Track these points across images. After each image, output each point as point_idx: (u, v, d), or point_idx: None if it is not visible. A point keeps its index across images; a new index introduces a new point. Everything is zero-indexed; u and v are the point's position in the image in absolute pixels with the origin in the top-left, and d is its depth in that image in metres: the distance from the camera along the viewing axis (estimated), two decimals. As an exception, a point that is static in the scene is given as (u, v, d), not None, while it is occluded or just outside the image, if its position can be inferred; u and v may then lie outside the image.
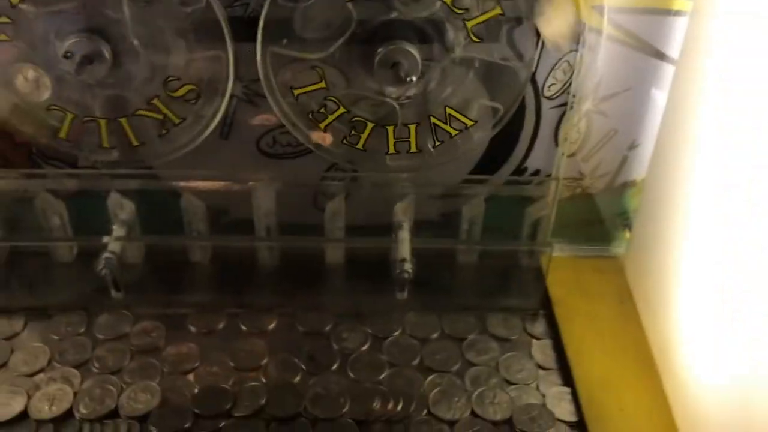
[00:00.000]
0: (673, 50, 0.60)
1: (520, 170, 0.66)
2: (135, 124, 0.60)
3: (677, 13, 0.58)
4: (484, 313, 0.65)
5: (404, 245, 0.63)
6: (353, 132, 0.61)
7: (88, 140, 0.61)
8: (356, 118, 0.60)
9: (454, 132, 0.61)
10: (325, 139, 0.62)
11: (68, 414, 0.56)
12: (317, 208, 0.68)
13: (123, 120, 0.60)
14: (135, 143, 0.61)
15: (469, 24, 0.56)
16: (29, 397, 0.57)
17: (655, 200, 0.64)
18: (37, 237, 0.66)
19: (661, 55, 0.60)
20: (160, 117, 0.60)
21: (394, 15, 0.56)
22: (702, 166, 0.56)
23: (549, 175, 0.65)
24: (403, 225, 0.65)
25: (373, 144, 0.62)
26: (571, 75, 0.60)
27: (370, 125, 0.60)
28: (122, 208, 0.64)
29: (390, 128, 0.61)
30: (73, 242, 0.66)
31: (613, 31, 0.59)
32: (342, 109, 0.60)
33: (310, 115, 0.60)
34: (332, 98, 0.59)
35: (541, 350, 0.62)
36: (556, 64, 0.60)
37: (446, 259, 0.69)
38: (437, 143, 0.62)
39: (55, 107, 0.59)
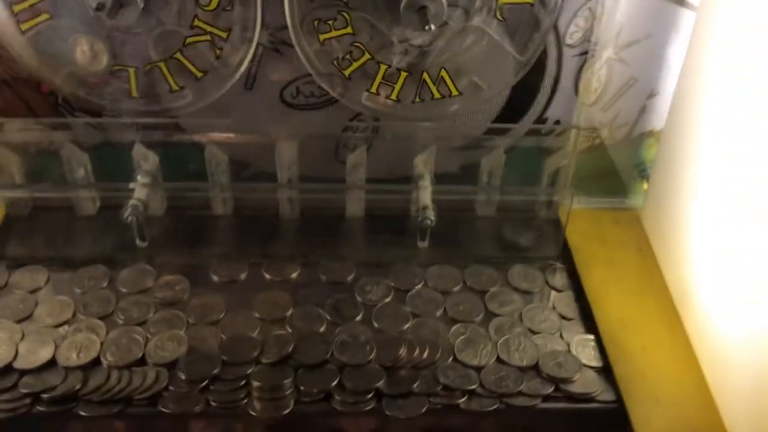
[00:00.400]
0: (693, -3, 0.61)
1: (540, 121, 0.67)
2: (191, 57, 0.61)
3: (698, -40, 0.59)
4: (505, 265, 0.66)
5: (425, 193, 0.64)
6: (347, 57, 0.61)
7: (155, 90, 0.62)
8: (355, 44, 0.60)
9: (437, 95, 0.62)
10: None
11: (96, 362, 0.56)
12: (339, 160, 0.68)
13: (178, 55, 0.60)
14: (198, 75, 0.61)
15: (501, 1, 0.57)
16: (56, 347, 0.57)
17: (673, 150, 0.65)
18: (62, 187, 0.66)
19: (681, 1, 0.61)
20: (208, 38, 0.60)
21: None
22: (720, 116, 0.57)
23: (569, 125, 0.66)
24: (424, 176, 0.66)
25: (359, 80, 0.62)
26: (593, 22, 0.61)
27: (366, 56, 0.60)
28: (146, 159, 0.65)
29: (383, 68, 0.61)
30: (100, 191, 0.67)
31: (635, -24, 0.59)
32: (367, 56, 0.60)
33: (334, 62, 0.61)
34: (358, 44, 0.60)
35: (563, 301, 0.63)
36: (577, 11, 0.60)
37: (466, 212, 0.70)
38: (417, 100, 0.63)
39: (118, 66, 0.60)
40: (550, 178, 0.67)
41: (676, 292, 0.62)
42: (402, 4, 0.56)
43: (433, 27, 0.57)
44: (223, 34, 0.60)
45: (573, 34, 0.62)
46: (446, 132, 0.66)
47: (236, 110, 0.65)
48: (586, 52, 0.62)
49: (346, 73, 0.61)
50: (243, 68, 0.61)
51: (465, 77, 0.62)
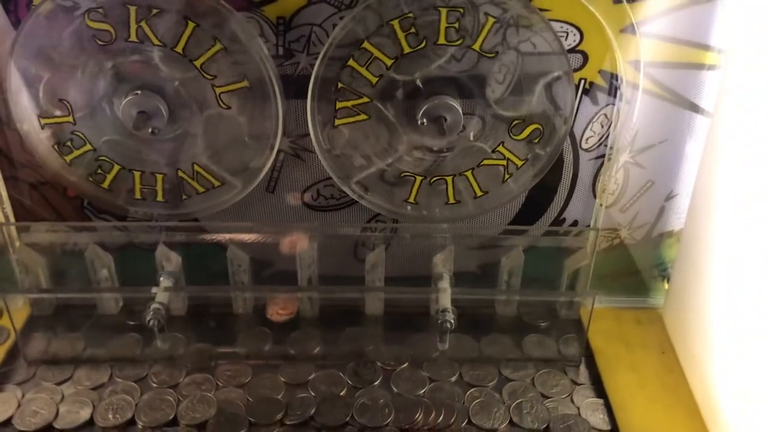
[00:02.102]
0: (708, 103, 0.61)
1: (558, 222, 0.67)
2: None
3: (710, 67, 0.60)
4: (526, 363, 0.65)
5: (445, 295, 0.64)
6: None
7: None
8: (405, 174, 0.62)
9: (479, 193, 0.63)
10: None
11: (131, 422, 0.59)
12: (358, 259, 0.69)
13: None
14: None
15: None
16: (94, 407, 0.60)
17: (693, 251, 0.65)
18: (86, 290, 0.68)
19: (695, 108, 0.61)
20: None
21: (436, 71, 0.58)
22: (739, 217, 0.57)
23: (587, 226, 0.66)
24: (443, 276, 0.66)
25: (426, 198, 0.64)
26: (609, 127, 0.62)
27: (419, 179, 0.62)
28: (169, 260, 0.66)
29: (419, 179, 0.62)
30: (122, 294, 0.68)
31: (649, 84, 0.60)
32: (383, 164, 0.62)
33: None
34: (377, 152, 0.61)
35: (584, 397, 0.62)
36: (593, 117, 0.61)
37: (486, 311, 0.69)
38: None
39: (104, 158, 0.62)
40: (570, 278, 0.67)
41: (700, 397, 0.61)
42: (419, 114, 0.58)
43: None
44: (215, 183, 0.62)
45: (589, 139, 0.62)
46: (464, 231, 0.66)
47: (258, 211, 0.66)
48: (602, 156, 0.63)
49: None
50: (263, 173, 0.62)
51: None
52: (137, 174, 0.62)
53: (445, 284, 0.65)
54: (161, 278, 0.65)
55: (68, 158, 0.61)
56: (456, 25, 0.56)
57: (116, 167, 0.62)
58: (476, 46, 0.57)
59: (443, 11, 0.56)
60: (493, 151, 0.61)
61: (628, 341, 0.67)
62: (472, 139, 0.61)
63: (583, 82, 0.60)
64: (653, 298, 0.72)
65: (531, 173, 0.62)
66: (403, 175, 0.62)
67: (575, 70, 0.59)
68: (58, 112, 0.59)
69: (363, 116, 0.60)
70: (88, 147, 0.61)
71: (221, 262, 0.67)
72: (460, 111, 0.58)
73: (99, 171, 0.62)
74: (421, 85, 0.58)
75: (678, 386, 0.63)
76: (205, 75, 0.58)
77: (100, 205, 0.65)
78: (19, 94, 0.59)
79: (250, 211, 0.66)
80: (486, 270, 0.69)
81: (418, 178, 0.62)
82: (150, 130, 0.58)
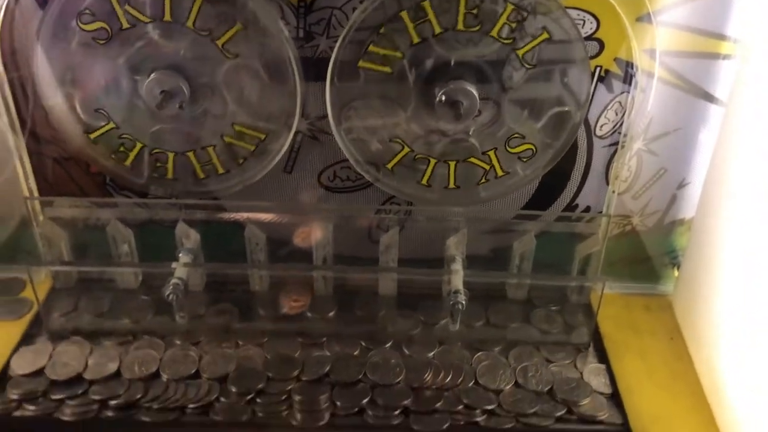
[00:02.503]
0: (722, 92, 0.62)
1: (571, 207, 0.68)
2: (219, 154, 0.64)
3: (725, 57, 0.60)
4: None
5: (457, 276, 0.65)
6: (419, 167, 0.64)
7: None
8: (419, 156, 0.63)
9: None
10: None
11: (155, 375, 0.62)
12: (372, 240, 0.70)
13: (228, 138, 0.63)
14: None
15: (520, 52, 0.58)
16: (121, 361, 0.63)
17: (704, 239, 0.65)
18: (107, 263, 0.69)
19: (710, 97, 0.62)
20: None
21: (453, 56, 0.59)
22: (751, 206, 0.57)
23: (599, 213, 0.67)
24: (456, 258, 0.67)
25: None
26: (623, 115, 0.62)
27: (433, 161, 0.63)
28: (188, 237, 0.67)
29: (432, 161, 0.64)
30: (142, 268, 0.69)
31: (664, 73, 0.61)
32: (406, 150, 0.63)
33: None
34: (397, 140, 0.62)
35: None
36: (608, 105, 0.62)
37: (497, 295, 0.70)
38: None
39: (158, 150, 0.64)
40: (581, 263, 0.68)
41: (708, 385, 0.62)
42: (436, 99, 0.59)
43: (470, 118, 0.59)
44: (261, 136, 0.63)
45: (603, 126, 0.63)
46: (478, 215, 0.67)
47: (276, 192, 0.67)
48: (616, 143, 0.64)
49: (389, 166, 0.64)
50: (281, 155, 0.63)
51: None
52: (171, 155, 0.64)
53: (457, 266, 0.66)
54: (180, 254, 0.66)
55: (92, 136, 0.63)
56: (474, 11, 0.57)
57: (138, 145, 0.63)
58: (494, 33, 0.58)
59: (461, -3, 0.56)
60: (510, 138, 0.62)
61: (637, 327, 0.68)
62: (487, 123, 0.62)
63: (598, 69, 0.61)
64: (663, 285, 0.72)
65: (545, 159, 0.63)
66: (417, 157, 0.63)
67: (591, 58, 0.60)
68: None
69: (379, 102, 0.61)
70: (111, 125, 0.62)
71: (239, 241, 0.68)
72: (477, 96, 0.59)
73: (122, 149, 0.63)
74: (437, 69, 0.59)
75: (686, 373, 0.64)
76: (227, 55, 0.59)
77: (121, 183, 0.67)
78: (45, 71, 0.61)
79: (267, 192, 0.67)
80: (498, 254, 0.70)
81: (432, 161, 0.63)
82: (178, 105, 0.59)
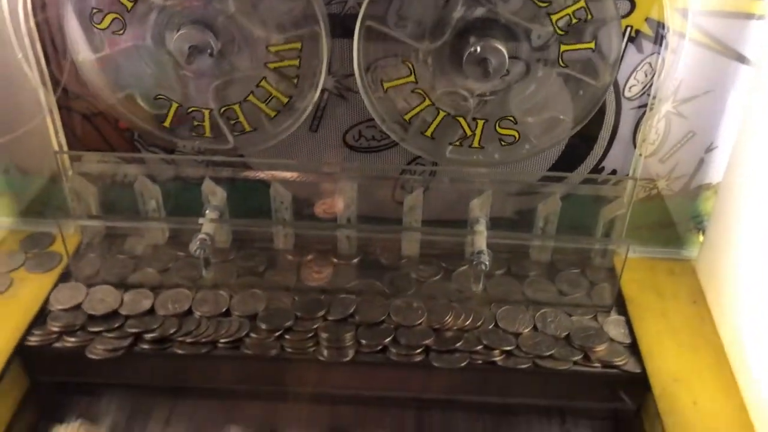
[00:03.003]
0: (754, 54, 0.61)
1: (597, 170, 0.67)
2: (246, 111, 0.64)
3: (759, 17, 0.59)
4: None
5: (481, 237, 0.65)
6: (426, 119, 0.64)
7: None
8: (445, 116, 0.63)
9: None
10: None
11: (188, 312, 0.65)
12: (396, 202, 0.70)
13: (251, 98, 0.64)
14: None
15: (554, 17, 0.58)
16: (155, 298, 0.66)
17: (731, 204, 0.65)
18: (135, 219, 0.70)
19: (741, 59, 0.61)
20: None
21: (484, 13, 0.58)
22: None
23: (626, 176, 0.67)
24: (480, 220, 0.67)
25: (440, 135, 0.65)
26: (652, 77, 0.62)
27: (442, 114, 0.63)
28: (215, 194, 0.68)
29: (462, 120, 0.63)
30: (169, 224, 0.70)
31: (696, 33, 0.60)
32: (428, 102, 0.62)
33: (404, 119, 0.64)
34: (419, 90, 0.62)
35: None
36: (637, 66, 0.61)
37: (520, 258, 0.71)
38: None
39: (193, 108, 0.64)
40: (606, 227, 0.68)
41: (730, 347, 0.62)
42: (464, 57, 0.58)
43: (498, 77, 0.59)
44: (284, 99, 0.63)
45: (632, 88, 0.63)
46: (503, 177, 0.67)
47: (302, 150, 0.68)
48: (644, 105, 0.63)
49: (428, 133, 0.64)
50: (308, 112, 0.64)
51: (545, 113, 0.64)
52: (195, 110, 0.64)
53: (481, 227, 0.66)
54: (207, 211, 0.67)
55: (123, 94, 0.64)
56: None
57: (174, 105, 0.64)
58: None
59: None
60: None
61: (660, 291, 0.68)
62: (515, 83, 0.61)
63: (629, 29, 0.60)
64: (687, 250, 0.72)
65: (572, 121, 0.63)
66: (443, 117, 0.63)
67: (622, 17, 0.59)
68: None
69: (407, 64, 0.61)
70: (144, 85, 0.63)
71: (264, 200, 0.69)
72: (506, 54, 0.58)
73: (157, 108, 0.64)
74: (467, 27, 0.58)
75: (707, 334, 0.64)
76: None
77: (149, 139, 0.67)
78: (75, 25, 0.61)
79: (293, 150, 0.68)
80: (522, 216, 0.70)
81: (460, 120, 0.63)
82: (209, 52, 0.60)
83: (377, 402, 0.66)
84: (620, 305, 0.67)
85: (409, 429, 0.66)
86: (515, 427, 0.66)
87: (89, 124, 0.68)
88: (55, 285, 0.67)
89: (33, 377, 0.65)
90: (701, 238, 0.71)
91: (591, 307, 0.66)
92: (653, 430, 0.59)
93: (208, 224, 0.65)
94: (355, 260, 0.70)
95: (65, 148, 0.68)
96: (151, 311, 0.65)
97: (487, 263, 0.63)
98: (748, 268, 0.61)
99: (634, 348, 0.62)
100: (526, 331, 0.64)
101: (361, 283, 0.68)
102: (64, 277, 0.68)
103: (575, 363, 0.61)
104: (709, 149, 0.66)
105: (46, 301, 0.65)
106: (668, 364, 0.61)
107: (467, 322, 0.64)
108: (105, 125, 0.67)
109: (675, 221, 0.71)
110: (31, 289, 0.66)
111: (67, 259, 0.68)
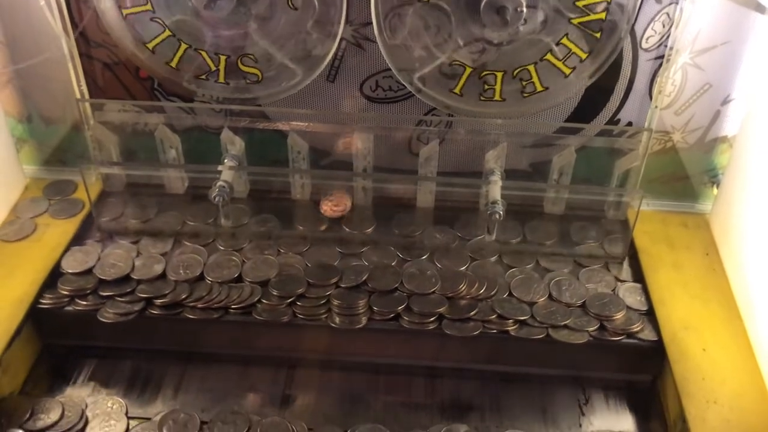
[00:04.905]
0: (774, 5, 0.61)
1: (612, 122, 0.68)
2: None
3: (780, -33, 0.59)
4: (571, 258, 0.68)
5: (495, 187, 0.65)
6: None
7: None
8: (455, 63, 0.63)
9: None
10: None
11: (200, 277, 0.65)
12: (412, 153, 0.71)
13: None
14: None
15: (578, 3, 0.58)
16: (167, 263, 0.66)
17: (746, 157, 0.65)
18: (155, 166, 0.72)
19: (761, 9, 0.61)
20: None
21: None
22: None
23: (641, 128, 0.67)
24: (495, 171, 0.68)
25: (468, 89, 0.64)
26: (670, 27, 0.62)
27: (468, 70, 0.63)
28: (233, 144, 0.69)
29: (468, 69, 0.63)
30: (189, 172, 0.71)
31: (715, -17, 0.60)
32: (445, 53, 0.63)
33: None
34: (436, 40, 0.62)
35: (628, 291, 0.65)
36: (655, 16, 0.61)
37: (534, 210, 0.71)
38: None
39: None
40: (620, 179, 0.68)
41: (741, 297, 0.63)
42: (482, 4, 0.58)
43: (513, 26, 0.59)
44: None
45: (649, 39, 0.63)
46: (518, 129, 0.68)
47: (318, 101, 0.68)
48: (661, 57, 0.63)
49: (457, 90, 0.64)
50: (326, 62, 0.64)
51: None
52: (204, 54, 0.64)
53: (496, 178, 0.67)
54: (225, 160, 0.68)
55: (148, 46, 0.64)
56: None
57: (183, 46, 0.64)
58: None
59: None
60: (557, 45, 0.61)
61: (673, 243, 0.69)
62: (533, 32, 0.61)
63: (647, -22, 0.60)
64: (701, 203, 0.72)
65: (590, 70, 0.63)
66: (453, 63, 0.63)
67: (640, -33, 0.59)
68: None
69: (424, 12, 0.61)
70: (166, 33, 0.63)
71: (282, 150, 0.70)
72: (523, 1, 0.58)
73: (169, 50, 0.64)
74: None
75: (719, 285, 0.64)
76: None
77: (169, 87, 0.68)
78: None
79: (310, 100, 0.68)
80: (537, 168, 0.70)
81: (468, 70, 0.63)
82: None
83: (389, 369, 0.65)
84: (632, 257, 0.67)
85: (421, 396, 0.64)
86: (528, 395, 0.64)
87: (110, 73, 0.69)
88: (78, 231, 0.69)
89: (45, 340, 0.65)
90: (715, 191, 0.71)
91: (603, 258, 0.67)
92: (669, 401, 0.59)
93: (227, 172, 0.66)
94: (369, 230, 0.70)
95: (87, 97, 0.69)
96: (163, 276, 0.65)
97: (501, 212, 0.64)
98: (762, 221, 0.62)
99: (651, 315, 0.62)
100: (541, 300, 0.63)
101: (373, 251, 0.68)
102: (86, 224, 0.70)
103: (590, 334, 0.60)
104: (726, 101, 0.66)
105: (68, 247, 0.67)
106: (679, 313, 0.62)
107: (481, 291, 0.64)
108: (125, 74, 0.68)
109: (689, 174, 0.71)
110: (55, 234, 0.68)
111: (89, 205, 0.70)
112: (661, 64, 0.64)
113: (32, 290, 0.63)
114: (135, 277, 0.64)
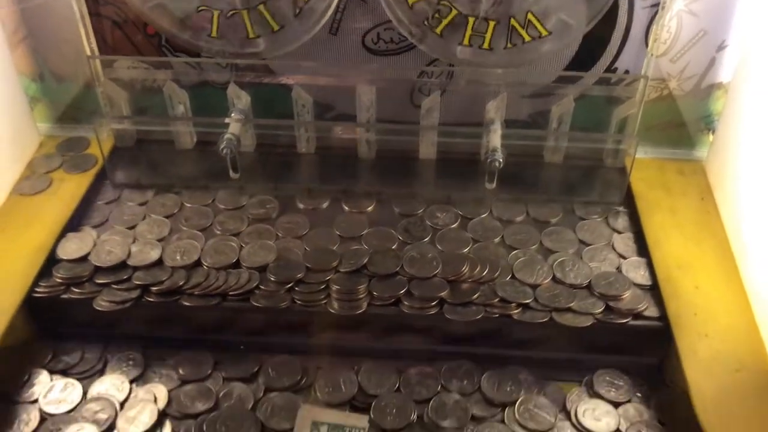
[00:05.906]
0: (767, -50, 0.61)
1: (610, 71, 0.69)
2: (272, 10, 0.65)
3: None
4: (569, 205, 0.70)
5: (496, 136, 0.67)
6: (436, 15, 0.64)
7: (233, 36, 0.67)
8: (443, 3, 0.63)
9: (527, 38, 0.65)
10: None
11: (197, 263, 0.64)
12: (414, 104, 0.73)
13: (261, 6, 0.65)
14: (275, 28, 0.66)
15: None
16: (163, 249, 0.65)
17: (740, 103, 0.66)
18: (164, 120, 0.74)
19: (754, -46, 0.62)
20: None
21: None
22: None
23: (637, 75, 0.68)
24: (495, 121, 0.69)
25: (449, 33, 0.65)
26: (665, -26, 0.63)
27: (454, 12, 0.64)
28: (239, 98, 0.71)
29: (471, 20, 0.64)
30: (197, 126, 0.73)
31: (709, -72, 0.61)
32: (453, 9, 0.64)
33: (425, 22, 0.65)
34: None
35: (623, 242, 0.66)
36: (650, -37, 0.62)
37: (534, 159, 0.73)
38: (509, 45, 0.65)
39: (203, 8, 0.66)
40: (618, 127, 0.70)
41: (734, 239, 0.64)
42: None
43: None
44: None
45: (645, -14, 0.64)
46: (518, 79, 0.69)
47: (321, 54, 0.70)
48: (657, 4, 0.64)
49: (438, 30, 0.65)
50: (328, 15, 0.65)
51: (553, 16, 0.64)
52: (216, 12, 0.66)
53: (496, 127, 0.68)
54: (232, 114, 0.70)
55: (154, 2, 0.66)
56: None
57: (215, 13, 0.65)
58: None
59: None
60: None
61: (669, 188, 0.70)
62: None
63: (642, -75, 0.61)
64: (697, 150, 0.74)
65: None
66: (455, 15, 0.64)
67: None
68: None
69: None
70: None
71: (287, 105, 0.71)
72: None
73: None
74: None
75: (713, 227, 0.66)
76: None
77: (176, 43, 0.70)
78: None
79: (313, 54, 0.70)
80: (537, 119, 0.72)
81: (471, 20, 0.64)
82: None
83: (390, 355, 0.62)
84: (629, 203, 0.69)
85: (422, 381, 0.60)
86: (531, 378, 0.61)
87: (119, 31, 0.70)
88: (91, 185, 0.71)
89: (40, 327, 0.64)
90: (711, 138, 0.73)
91: (600, 204, 0.69)
92: (675, 382, 0.58)
93: (234, 125, 0.68)
94: (370, 207, 0.70)
95: (97, 53, 0.71)
96: (159, 262, 0.64)
97: (501, 160, 0.66)
98: (757, 165, 0.63)
99: (655, 291, 0.61)
100: (545, 282, 0.62)
101: (374, 233, 0.67)
102: (98, 179, 0.72)
103: (597, 314, 0.59)
104: (721, 48, 0.67)
105: (84, 199, 0.69)
106: (673, 253, 0.63)
107: (484, 273, 0.62)
108: (134, 31, 0.70)
109: (685, 121, 0.72)
110: (69, 188, 0.70)
111: (102, 160, 0.72)
112: (656, 12, 0.65)
113: (50, 240, 0.65)
114: (131, 264, 0.63)
